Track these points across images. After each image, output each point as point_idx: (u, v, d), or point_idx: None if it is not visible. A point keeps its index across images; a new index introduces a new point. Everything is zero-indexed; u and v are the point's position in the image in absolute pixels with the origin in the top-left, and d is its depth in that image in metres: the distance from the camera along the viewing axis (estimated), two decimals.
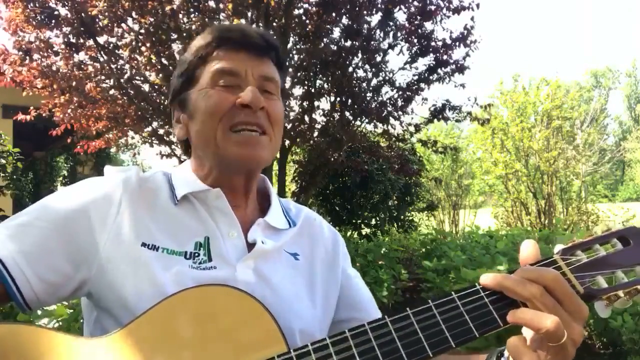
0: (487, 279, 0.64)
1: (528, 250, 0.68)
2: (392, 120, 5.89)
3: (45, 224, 0.74)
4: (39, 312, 2.67)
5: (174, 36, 4.58)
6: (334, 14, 5.09)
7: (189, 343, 0.64)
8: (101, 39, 4.72)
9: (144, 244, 0.76)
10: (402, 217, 8.53)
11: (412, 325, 0.61)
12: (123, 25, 4.60)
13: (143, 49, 4.58)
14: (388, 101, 5.73)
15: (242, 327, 0.65)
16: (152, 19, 4.38)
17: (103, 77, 4.82)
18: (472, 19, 5.50)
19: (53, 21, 4.51)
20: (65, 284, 0.74)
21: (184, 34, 4.45)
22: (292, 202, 1.00)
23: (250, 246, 0.83)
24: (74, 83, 4.50)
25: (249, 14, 4.69)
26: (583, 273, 0.66)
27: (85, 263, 0.74)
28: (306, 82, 5.62)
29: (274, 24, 4.96)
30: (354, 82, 5.49)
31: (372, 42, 5.46)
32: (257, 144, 0.82)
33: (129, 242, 0.76)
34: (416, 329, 0.61)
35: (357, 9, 4.98)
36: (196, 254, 0.78)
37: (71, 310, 2.79)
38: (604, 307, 0.66)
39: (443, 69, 5.69)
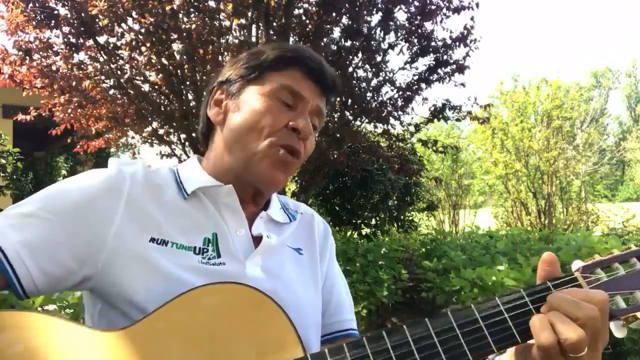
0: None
1: (549, 265, 0.67)
2: (392, 120, 5.88)
3: (51, 216, 0.72)
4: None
5: (174, 36, 4.57)
6: (334, 14, 5.08)
7: (204, 342, 0.63)
8: (101, 39, 4.71)
9: (152, 239, 0.75)
10: (402, 217, 8.52)
11: (427, 330, 0.62)
12: (123, 25, 4.59)
13: (143, 49, 4.57)
14: (388, 101, 5.71)
15: (259, 329, 0.64)
16: (152, 19, 4.38)
17: (103, 77, 4.82)
18: (472, 18, 5.49)
19: (53, 21, 4.50)
20: (68, 278, 0.73)
21: (184, 34, 4.44)
22: (288, 199, 1.02)
23: (255, 239, 0.84)
24: (74, 83, 4.49)
25: (249, 13, 4.69)
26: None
27: (91, 258, 0.73)
28: None
29: (274, 24, 4.95)
30: (354, 82, 5.48)
31: (372, 42, 5.45)
32: (289, 169, 0.84)
33: (137, 236, 0.74)
34: (431, 334, 0.61)
35: (357, 9, 4.97)
36: (205, 250, 0.78)
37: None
38: (620, 327, 0.66)
39: (443, 68, 5.67)
